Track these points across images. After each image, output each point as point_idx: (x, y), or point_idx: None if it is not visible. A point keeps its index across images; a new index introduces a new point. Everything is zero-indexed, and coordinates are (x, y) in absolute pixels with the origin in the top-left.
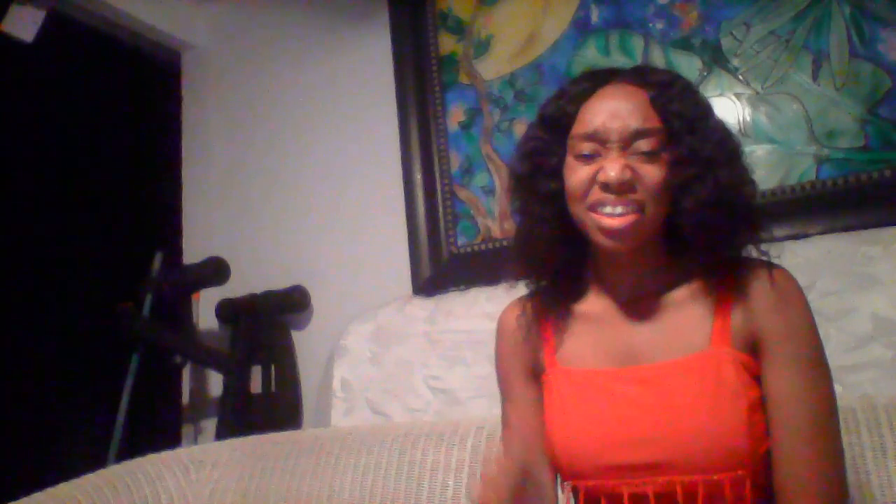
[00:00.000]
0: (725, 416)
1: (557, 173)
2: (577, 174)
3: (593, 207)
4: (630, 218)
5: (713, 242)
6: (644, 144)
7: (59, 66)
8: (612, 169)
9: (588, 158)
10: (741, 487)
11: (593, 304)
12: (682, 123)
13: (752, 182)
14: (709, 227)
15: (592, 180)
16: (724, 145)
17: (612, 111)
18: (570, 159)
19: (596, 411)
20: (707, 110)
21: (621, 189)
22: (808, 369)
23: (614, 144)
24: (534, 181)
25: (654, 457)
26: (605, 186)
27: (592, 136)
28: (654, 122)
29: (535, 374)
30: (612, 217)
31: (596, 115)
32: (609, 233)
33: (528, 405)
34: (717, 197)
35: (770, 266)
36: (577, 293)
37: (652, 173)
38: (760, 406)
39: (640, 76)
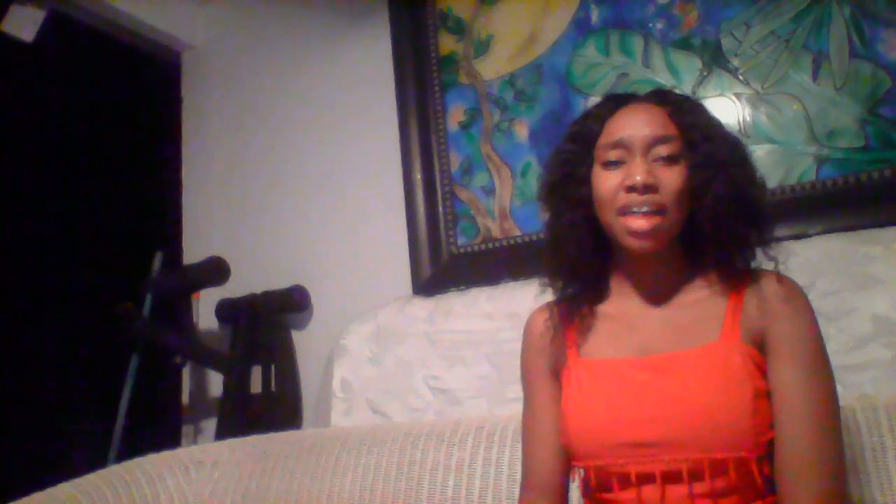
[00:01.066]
0: (731, 397)
1: (586, 181)
2: (605, 182)
3: (621, 212)
4: (653, 220)
5: (729, 237)
6: (664, 150)
7: (59, 66)
8: (638, 173)
9: (614, 165)
10: (745, 470)
11: (615, 305)
12: (698, 133)
13: (763, 184)
14: (727, 220)
15: (619, 186)
16: (736, 150)
17: (635, 122)
18: (597, 168)
19: (608, 393)
20: (718, 122)
21: (645, 190)
22: (812, 367)
23: (637, 150)
24: (565, 187)
25: (662, 434)
26: (631, 189)
27: (618, 144)
28: (673, 131)
29: (554, 371)
30: (637, 217)
31: (620, 127)
32: (635, 234)
33: (546, 402)
34: (733, 194)
35: (782, 276)
36: (600, 296)
37: (672, 178)
38: (766, 396)
39: (658, 97)
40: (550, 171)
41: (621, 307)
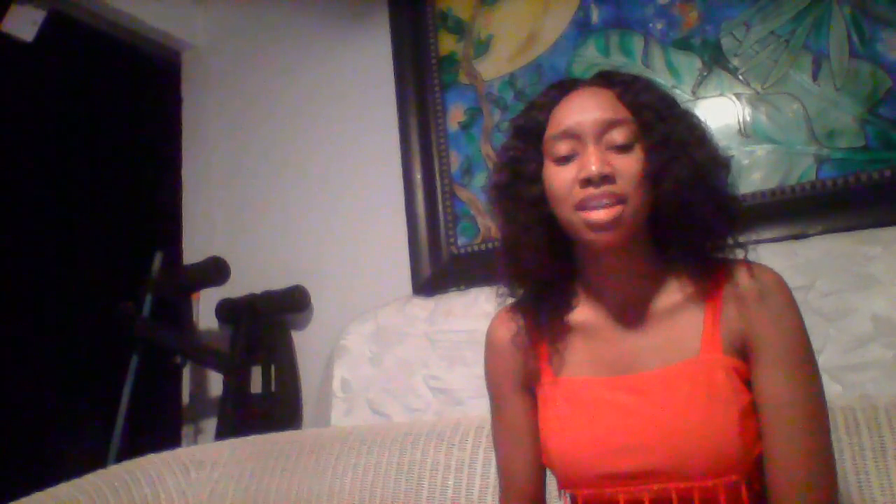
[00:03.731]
0: (718, 421)
1: (537, 179)
2: (558, 177)
3: (579, 207)
4: (614, 210)
5: (695, 222)
6: (617, 136)
7: (59, 66)
8: (592, 163)
9: (566, 160)
10: (736, 493)
11: (584, 315)
12: (651, 113)
13: (727, 162)
14: (691, 204)
15: (574, 180)
16: (694, 128)
17: (583, 108)
18: (548, 164)
19: (591, 420)
20: (672, 100)
21: (602, 181)
22: (798, 370)
23: (589, 138)
24: (516, 188)
25: (649, 464)
26: (587, 181)
27: (566, 133)
28: (624, 114)
29: (526, 383)
30: (597, 210)
31: (567, 114)
32: (596, 226)
33: (519, 413)
34: (695, 175)
35: (757, 268)
36: (567, 304)
37: (629, 165)
38: (752, 412)
39: (604, 79)
40: (498, 172)
41: (592, 316)
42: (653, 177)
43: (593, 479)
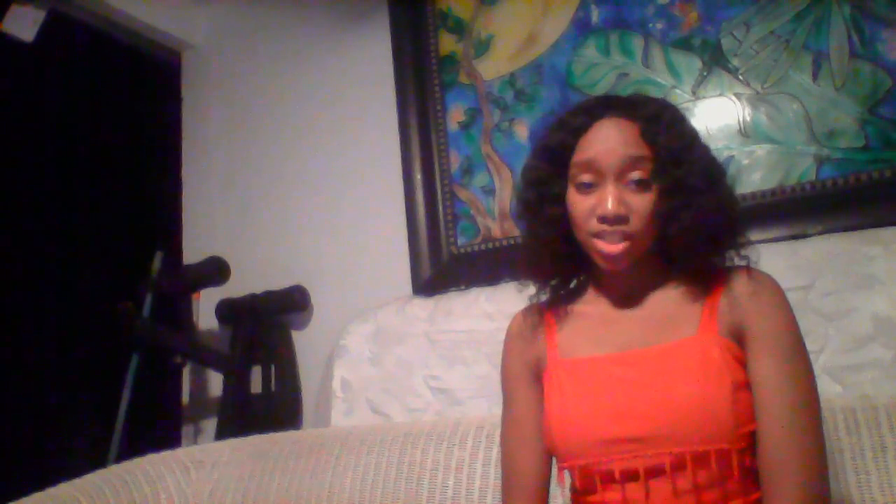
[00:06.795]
0: (710, 389)
1: (560, 200)
2: (579, 205)
3: (594, 236)
4: (623, 245)
5: (698, 259)
6: (636, 175)
7: (59, 66)
8: (609, 202)
9: (587, 188)
10: (727, 461)
11: (592, 304)
12: (669, 155)
13: (732, 207)
14: (693, 248)
15: (592, 212)
16: (708, 173)
17: (607, 142)
18: (571, 189)
19: (589, 391)
20: (693, 139)
21: (616, 221)
22: (789, 356)
23: (610, 174)
24: (540, 208)
25: (643, 429)
26: (603, 219)
27: (590, 165)
28: (645, 152)
29: (536, 373)
30: (609, 244)
31: (592, 145)
32: (606, 258)
33: (528, 408)
34: (699, 223)
35: (752, 270)
36: (577, 297)
37: (642, 203)
38: (745, 388)
39: (632, 109)
40: (525, 189)
41: (599, 306)
42: (662, 216)
43: (589, 446)
